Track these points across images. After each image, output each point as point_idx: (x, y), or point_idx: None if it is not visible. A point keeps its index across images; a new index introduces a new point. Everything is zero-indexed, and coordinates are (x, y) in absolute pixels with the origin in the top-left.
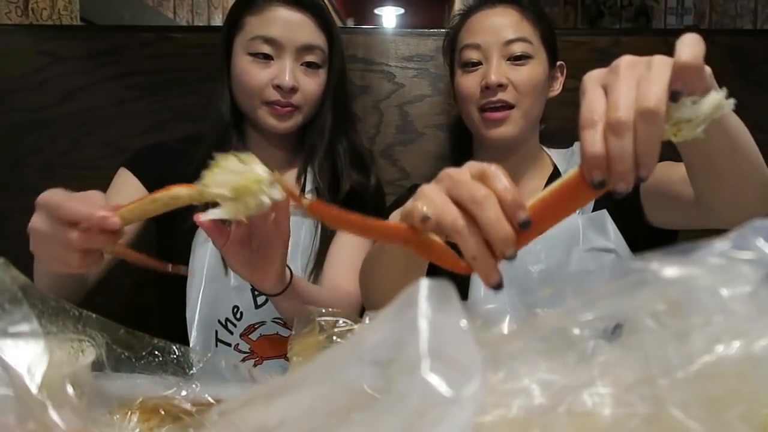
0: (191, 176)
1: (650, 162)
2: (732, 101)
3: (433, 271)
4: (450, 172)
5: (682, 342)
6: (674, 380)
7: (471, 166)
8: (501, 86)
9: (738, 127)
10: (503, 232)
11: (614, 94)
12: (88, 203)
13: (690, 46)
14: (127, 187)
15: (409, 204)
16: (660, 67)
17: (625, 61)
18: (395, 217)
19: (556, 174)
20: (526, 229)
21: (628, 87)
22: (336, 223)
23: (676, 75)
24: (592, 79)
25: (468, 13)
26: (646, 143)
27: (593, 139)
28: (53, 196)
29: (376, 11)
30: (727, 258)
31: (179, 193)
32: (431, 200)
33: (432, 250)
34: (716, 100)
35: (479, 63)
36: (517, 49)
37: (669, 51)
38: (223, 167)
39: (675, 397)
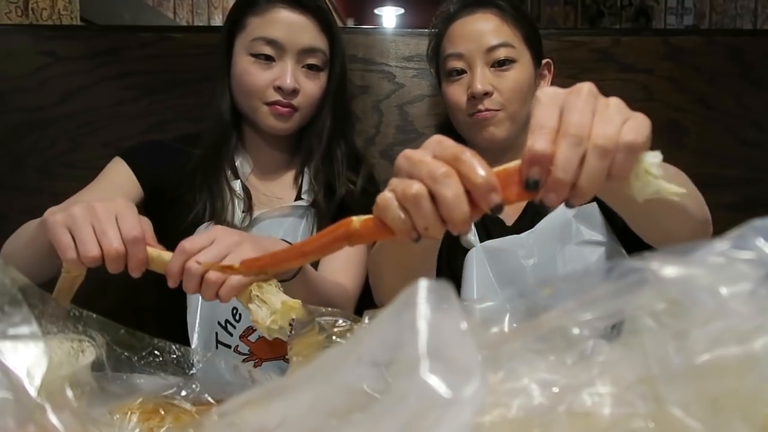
0: (187, 175)
1: (587, 192)
2: (683, 192)
3: None
4: (407, 153)
5: (682, 341)
6: (674, 379)
7: (438, 146)
8: (486, 94)
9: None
10: (459, 212)
11: (573, 115)
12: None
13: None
14: (119, 175)
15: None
16: (617, 111)
17: (587, 88)
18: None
19: None
20: (498, 213)
21: (587, 113)
22: (271, 267)
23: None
24: (549, 95)
25: (448, 19)
26: (590, 174)
27: (544, 139)
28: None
29: (376, 11)
30: (727, 257)
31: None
32: (391, 186)
33: (370, 229)
34: (676, 190)
35: (463, 71)
36: (500, 54)
37: (669, 51)
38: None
39: (675, 397)
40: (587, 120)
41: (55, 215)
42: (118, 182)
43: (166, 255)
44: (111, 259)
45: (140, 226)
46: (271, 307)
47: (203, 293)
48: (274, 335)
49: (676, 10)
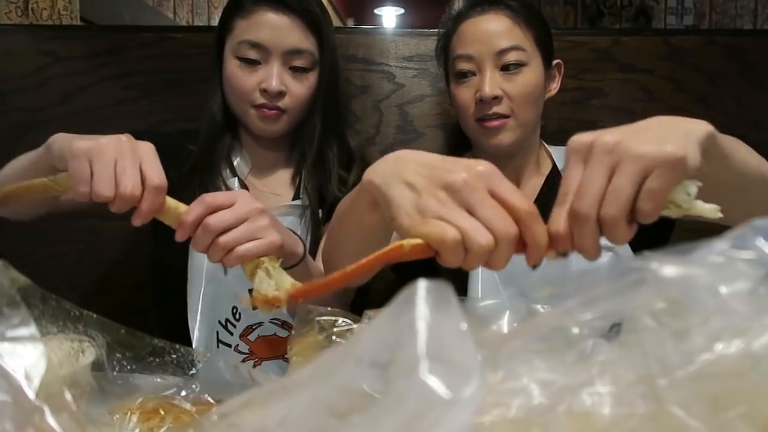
0: (185, 175)
1: (619, 241)
2: (719, 215)
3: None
4: (469, 184)
5: (682, 341)
6: (674, 379)
7: (496, 182)
8: (495, 98)
9: (746, 159)
10: (544, 243)
11: (584, 184)
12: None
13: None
14: None
15: (426, 228)
16: (638, 167)
17: (603, 142)
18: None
19: (554, 172)
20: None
21: (600, 179)
22: (324, 292)
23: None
24: (575, 150)
25: (459, 17)
26: (610, 232)
27: (558, 219)
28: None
29: (376, 11)
30: (727, 257)
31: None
32: (455, 220)
33: (418, 252)
34: (710, 209)
35: (472, 73)
36: (511, 58)
37: (669, 51)
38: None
39: (675, 396)
40: (598, 189)
41: (80, 141)
42: None
43: (183, 207)
44: (123, 201)
45: (164, 175)
46: (278, 283)
47: (210, 254)
48: (267, 308)
49: (676, 10)
